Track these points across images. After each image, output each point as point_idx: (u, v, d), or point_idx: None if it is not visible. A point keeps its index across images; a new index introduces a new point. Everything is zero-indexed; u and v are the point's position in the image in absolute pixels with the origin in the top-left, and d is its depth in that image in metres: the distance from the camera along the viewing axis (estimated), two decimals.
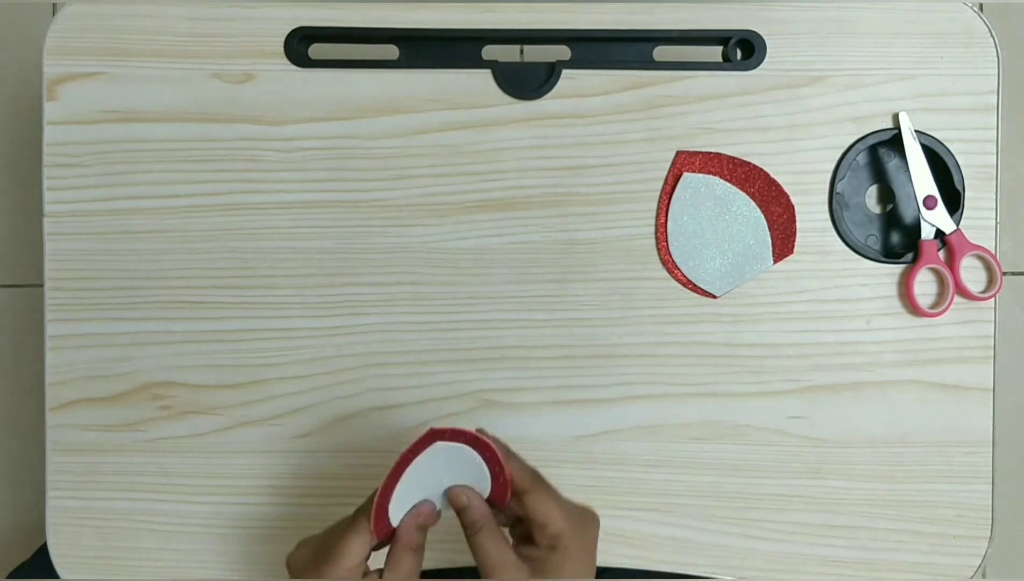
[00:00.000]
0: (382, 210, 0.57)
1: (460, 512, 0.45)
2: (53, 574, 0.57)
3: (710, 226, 0.56)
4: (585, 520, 0.46)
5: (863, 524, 0.57)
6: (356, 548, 0.44)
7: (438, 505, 0.46)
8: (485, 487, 0.45)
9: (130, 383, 0.56)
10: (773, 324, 0.57)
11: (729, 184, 0.56)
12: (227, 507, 0.57)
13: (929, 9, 0.57)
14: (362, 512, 0.45)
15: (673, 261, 0.56)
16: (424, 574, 0.56)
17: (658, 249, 0.56)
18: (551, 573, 0.43)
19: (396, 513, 0.45)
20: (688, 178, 0.56)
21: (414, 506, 0.45)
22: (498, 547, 0.43)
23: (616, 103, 0.57)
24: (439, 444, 0.44)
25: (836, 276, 0.57)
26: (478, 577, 0.55)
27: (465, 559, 0.56)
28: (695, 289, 0.56)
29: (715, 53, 0.58)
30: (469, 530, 0.44)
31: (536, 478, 0.46)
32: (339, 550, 0.44)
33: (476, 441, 0.45)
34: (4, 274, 1.04)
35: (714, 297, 0.56)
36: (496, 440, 0.45)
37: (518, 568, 0.43)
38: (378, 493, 0.44)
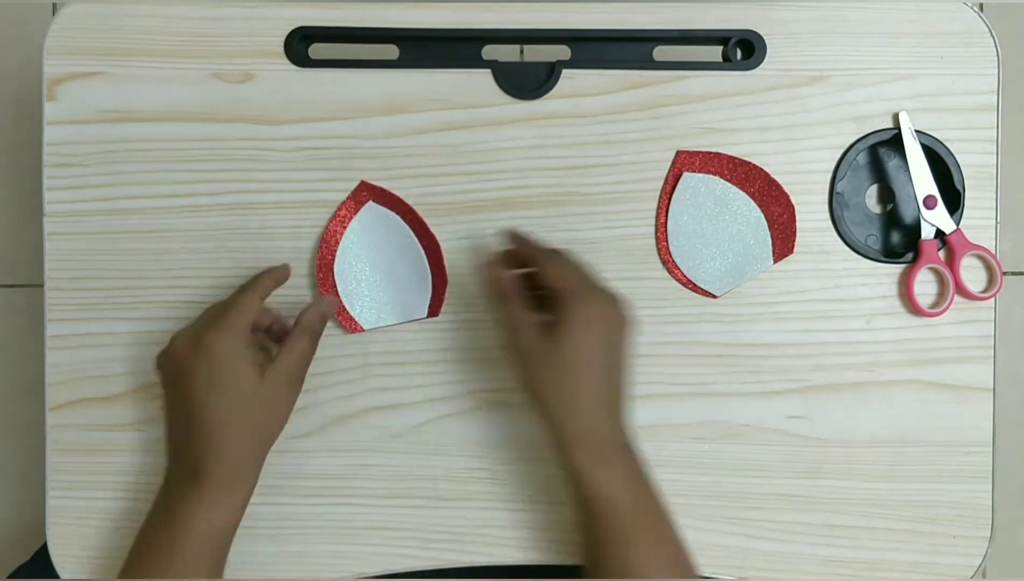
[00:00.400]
0: None
1: (491, 282, 0.51)
2: (53, 574, 0.56)
3: (710, 226, 0.56)
4: (597, 294, 0.49)
5: (863, 524, 0.57)
6: (248, 303, 0.49)
7: (374, 276, 0.54)
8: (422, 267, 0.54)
9: (130, 383, 0.56)
10: (773, 324, 0.57)
11: (729, 184, 0.56)
12: None
13: (929, 9, 0.57)
14: (256, 279, 0.51)
15: (673, 261, 0.56)
16: (424, 574, 0.57)
17: (658, 249, 0.56)
18: (559, 334, 0.47)
19: (339, 274, 0.54)
20: (688, 178, 0.56)
21: (319, 301, 0.52)
22: (520, 311, 0.49)
23: (616, 103, 0.57)
24: (373, 204, 0.53)
25: (836, 276, 0.57)
26: (478, 577, 0.55)
27: (466, 559, 0.56)
28: (695, 289, 0.56)
29: (715, 53, 0.58)
30: (499, 298, 0.50)
31: (554, 252, 0.50)
32: (233, 310, 0.48)
33: (409, 213, 0.54)
34: (4, 274, 1.04)
35: (714, 297, 0.56)
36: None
37: (533, 327, 0.48)
38: (321, 248, 0.53)
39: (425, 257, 0.56)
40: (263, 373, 0.48)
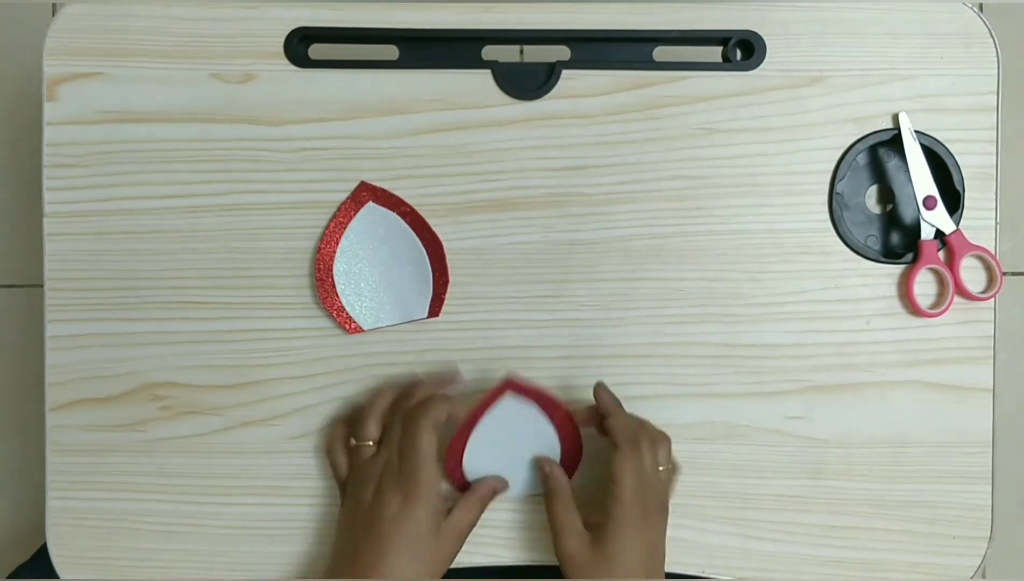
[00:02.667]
0: None
1: (543, 480, 0.53)
2: (53, 574, 0.57)
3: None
4: (648, 502, 0.50)
5: (863, 524, 0.57)
6: (433, 472, 0.50)
7: (502, 459, 0.54)
8: (553, 449, 0.54)
9: (130, 383, 0.56)
10: (773, 324, 0.57)
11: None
12: (227, 507, 0.57)
13: (929, 9, 0.57)
14: (430, 409, 0.51)
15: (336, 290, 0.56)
16: None
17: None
18: (606, 541, 0.48)
19: (468, 457, 0.53)
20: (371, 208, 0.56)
21: (491, 476, 0.54)
22: (567, 513, 0.50)
23: (616, 103, 0.57)
24: (509, 397, 0.52)
25: (836, 276, 0.57)
26: (478, 577, 0.55)
27: (465, 559, 0.56)
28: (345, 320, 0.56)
29: (715, 53, 0.58)
30: (547, 496, 0.52)
31: (631, 439, 0.51)
32: (424, 475, 0.50)
33: (547, 402, 0.53)
34: (4, 274, 1.04)
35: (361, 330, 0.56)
36: (603, 396, 0.53)
37: (579, 535, 0.49)
38: (454, 437, 0.53)
39: (427, 256, 0.56)
40: (440, 529, 0.50)
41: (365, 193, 0.56)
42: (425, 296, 0.56)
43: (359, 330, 0.56)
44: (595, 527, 0.49)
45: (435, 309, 0.56)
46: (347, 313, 0.56)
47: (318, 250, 0.55)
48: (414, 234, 0.56)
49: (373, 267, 0.56)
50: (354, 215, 0.56)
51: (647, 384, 0.57)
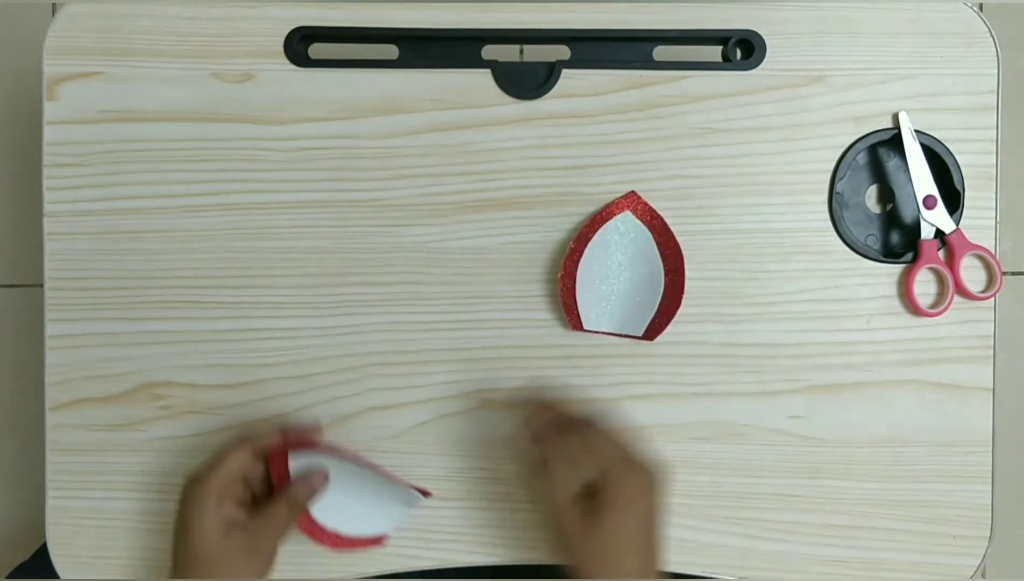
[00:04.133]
0: (382, 210, 0.57)
1: (531, 457, 0.50)
2: (53, 573, 0.57)
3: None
4: (636, 468, 0.48)
5: (863, 524, 0.57)
6: (233, 463, 0.50)
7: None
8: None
9: (130, 383, 0.56)
10: (773, 324, 0.57)
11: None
12: None
13: (929, 9, 0.57)
14: (248, 438, 0.51)
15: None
16: (424, 574, 0.57)
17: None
18: (602, 520, 0.46)
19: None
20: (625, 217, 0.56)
21: (309, 473, 0.52)
22: (562, 491, 0.47)
23: (616, 103, 0.57)
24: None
25: (836, 276, 0.57)
26: (478, 577, 0.55)
27: (465, 559, 0.56)
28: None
29: (715, 53, 0.58)
30: (535, 473, 0.49)
31: (590, 420, 0.49)
32: (218, 462, 0.50)
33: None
34: (4, 274, 1.04)
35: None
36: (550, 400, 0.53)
37: (574, 510, 0.46)
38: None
39: (663, 277, 0.55)
40: (228, 533, 0.49)
41: (628, 202, 0.56)
42: (648, 314, 0.55)
43: (579, 328, 0.56)
44: (585, 507, 0.47)
45: (652, 332, 0.55)
46: (577, 310, 0.55)
47: (570, 249, 0.55)
48: (658, 254, 0.55)
49: (615, 275, 0.56)
50: (610, 219, 0.55)
51: (647, 384, 0.57)
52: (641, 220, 0.55)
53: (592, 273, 0.55)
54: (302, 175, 0.56)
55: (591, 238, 0.55)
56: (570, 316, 0.55)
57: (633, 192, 0.56)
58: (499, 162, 0.57)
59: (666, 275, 0.55)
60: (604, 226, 0.55)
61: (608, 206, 0.55)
